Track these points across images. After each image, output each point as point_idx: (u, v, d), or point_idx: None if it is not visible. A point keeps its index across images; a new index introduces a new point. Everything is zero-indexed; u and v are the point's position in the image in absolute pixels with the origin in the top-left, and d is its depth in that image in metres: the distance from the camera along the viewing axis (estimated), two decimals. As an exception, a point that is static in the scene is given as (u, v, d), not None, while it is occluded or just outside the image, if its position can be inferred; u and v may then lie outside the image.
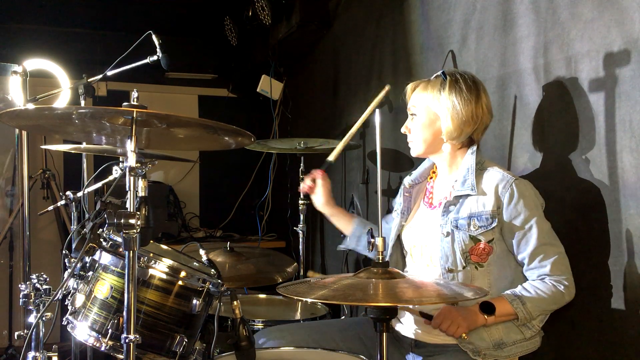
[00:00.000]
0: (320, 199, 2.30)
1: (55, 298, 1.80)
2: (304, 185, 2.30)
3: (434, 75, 1.98)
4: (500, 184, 1.85)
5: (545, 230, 1.82)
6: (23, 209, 2.68)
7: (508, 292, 1.83)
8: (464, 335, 1.81)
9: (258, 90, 4.17)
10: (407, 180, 2.11)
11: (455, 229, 1.87)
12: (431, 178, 2.08)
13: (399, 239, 2.08)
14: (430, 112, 1.94)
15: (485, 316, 1.80)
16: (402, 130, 2.03)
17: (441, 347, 1.90)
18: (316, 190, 2.29)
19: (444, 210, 1.91)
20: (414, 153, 2.03)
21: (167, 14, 4.47)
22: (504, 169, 1.90)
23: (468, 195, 1.88)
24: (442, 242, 1.89)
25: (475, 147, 1.95)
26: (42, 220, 4.39)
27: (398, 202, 2.12)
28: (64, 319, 1.79)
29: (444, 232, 1.89)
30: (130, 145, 1.49)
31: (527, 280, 1.86)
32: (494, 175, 1.88)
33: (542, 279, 1.82)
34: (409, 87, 2.03)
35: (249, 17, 4.05)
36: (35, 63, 3.07)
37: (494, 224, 1.83)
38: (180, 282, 1.73)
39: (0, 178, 4.32)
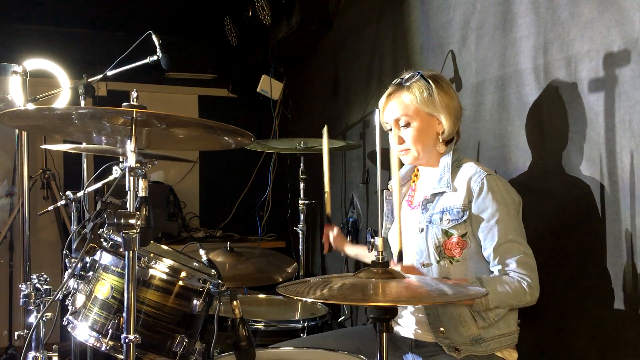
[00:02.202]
0: (340, 247, 2.41)
1: (56, 298, 1.80)
2: (326, 243, 2.45)
3: (404, 79, 1.95)
4: (472, 178, 1.86)
5: (512, 226, 1.82)
6: (23, 209, 2.67)
7: (472, 275, 1.83)
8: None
9: (258, 90, 4.17)
10: (390, 185, 2.13)
11: (429, 224, 1.90)
12: (414, 182, 2.10)
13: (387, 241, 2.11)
14: (424, 115, 1.93)
15: None
16: (393, 141, 1.96)
17: (441, 347, 1.90)
18: (334, 242, 2.40)
19: (422, 208, 1.95)
20: (409, 161, 2.01)
21: (167, 14, 4.47)
22: (479, 165, 1.91)
23: (444, 192, 1.91)
24: (417, 237, 1.93)
25: (453, 146, 1.97)
26: (42, 220, 4.39)
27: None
28: (65, 319, 1.78)
29: (419, 229, 1.92)
30: (130, 146, 1.50)
31: None
32: (468, 170, 1.90)
33: (506, 273, 1.81)
34: (383, 100, 1.99)
35: (249, 17, 4.05)
36: (35, 63, 3.07)
37: (465, 217, 1.85)
38: (180, 283, 1.73)
39: (0, 178, 4.32)
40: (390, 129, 1.99)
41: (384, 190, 2.13)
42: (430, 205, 1.93)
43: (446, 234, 1.87)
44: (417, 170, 2.11)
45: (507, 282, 1.79)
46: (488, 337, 1.86)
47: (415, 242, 1.94)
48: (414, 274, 1.75)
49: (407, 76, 1.96)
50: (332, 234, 2.41)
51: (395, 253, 1.84)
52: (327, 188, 2.32)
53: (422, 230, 1.92)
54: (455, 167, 1.94)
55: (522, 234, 1.84)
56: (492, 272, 1.86)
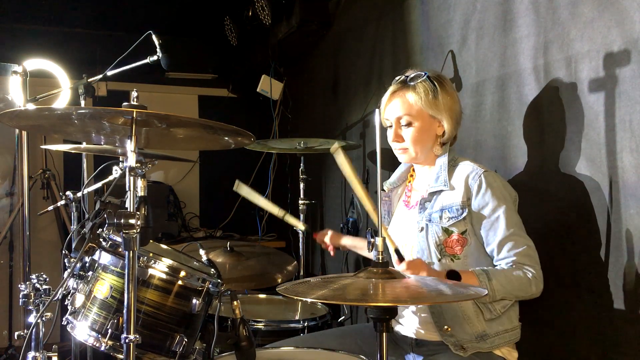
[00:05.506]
0: (337, 243, 2.50)
1: (55, 298, 1.80)
2: (325, 246, 2.56)
3: (409, 77, 1.94)
4: (470, 176, 1.88)
5: (513, 221, 1.84)
6: (23, 209, 2.67)
7: (477, 268, 1.84)
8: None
9: (258, 90, 4.17)
10: (386, 185, 2.14)
11: (428, 222, 1.91)
12: (409, 182, 2.11)
13: None
14: (427, 116, 1.93)
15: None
16: (393, 139, 1.98)
17: (442, 346, 1.90)
18: (331, 241, 2.51)
19: (420, 208, 1.96)
20: (405, 160, 2.03)
21: (167, 14, 4.47)
22: (475, 163, 1.93)
23: (441, 190, 1.92)
24: (417, 237, 1.93)
25: (448, 146, 1.98)
26: (42, 220, 4.38)
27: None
28: (64, 318, 1.78)
29: (419, 228, 1.93)
30: (130, 145, 1.49)
31: None
32: (465, 169, 1.91)
33: (510, 265, 1.82)
34: (386, 97, 1.98)
35: (249, 17, 4.05)
36: (35, 63, 3.07)
37: (464, 214, 1.86)
38: (179, 282, 1.73)
39: (0, 178, 4.32)
40: (391, 126, 1.99)
41: (380, 192, 2.13)
42: (428, 204, 1.94)
43: (446, 231, 1.88)
44: (413, 170, 2.12)
45: (512, 274, 1.80)
46: (492, 333, 1.87)
47: (416, 242, 1.94)
48: (421, 269, 1.76)
49: (412, 75, 1.95)
50: (327, 236, 2.48)
51: (392, 253, 1.85)
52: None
53: (422, 229, 1.92)
54: (452, 166, 1.95)
55: (522, 227, 1.86)
56: (496, 266, 1.86)
